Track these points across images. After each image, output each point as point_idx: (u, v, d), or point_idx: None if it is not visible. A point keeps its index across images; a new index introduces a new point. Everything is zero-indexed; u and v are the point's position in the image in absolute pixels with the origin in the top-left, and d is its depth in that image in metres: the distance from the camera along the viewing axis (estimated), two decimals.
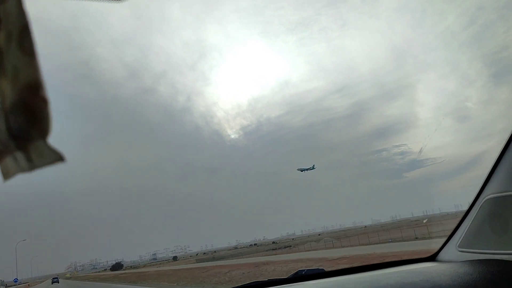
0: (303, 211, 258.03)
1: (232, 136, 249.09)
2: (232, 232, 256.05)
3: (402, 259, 1.99)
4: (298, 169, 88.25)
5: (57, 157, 0.45)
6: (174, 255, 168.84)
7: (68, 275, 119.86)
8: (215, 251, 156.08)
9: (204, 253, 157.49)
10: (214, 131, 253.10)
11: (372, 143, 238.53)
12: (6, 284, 46.70)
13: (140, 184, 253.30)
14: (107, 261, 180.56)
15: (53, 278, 77.47)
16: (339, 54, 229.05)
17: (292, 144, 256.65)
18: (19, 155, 0.47)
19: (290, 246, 71.54)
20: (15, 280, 48.86)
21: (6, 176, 0.50)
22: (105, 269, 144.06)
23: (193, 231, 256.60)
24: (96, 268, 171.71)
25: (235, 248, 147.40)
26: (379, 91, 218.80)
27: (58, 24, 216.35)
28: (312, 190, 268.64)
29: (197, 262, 66.30)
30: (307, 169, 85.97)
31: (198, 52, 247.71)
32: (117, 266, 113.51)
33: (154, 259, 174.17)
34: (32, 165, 0.47)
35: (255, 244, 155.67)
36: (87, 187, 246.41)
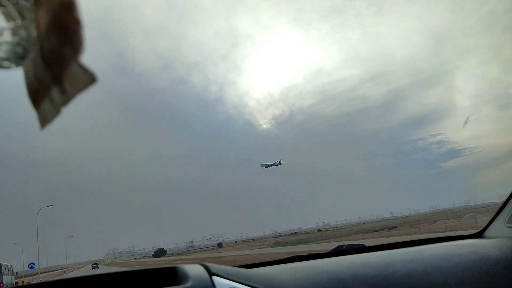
0: (338, 201, 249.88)
1: (264, 126, 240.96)
2: (266, 222, 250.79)
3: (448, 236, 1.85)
4: (261, 165, 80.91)
5: (90, 79, 0.44)
6: (211, 243, 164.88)
7: (108, 261, 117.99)
8: (253, 239, 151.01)
9: (244, 241, 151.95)
10: (247, 121, 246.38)
11: (408, 132, 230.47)
12: (16, 272, 31.42)
13: (175, 174, 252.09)
14: (144, 248, 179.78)
15: (93, 264, 75.42)
16: (373, 41, 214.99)
17: (326, 134, 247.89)
18: (54, 92, 0.47)
19: (396, 227, 61.34)
20: (31, 266, 37.52)
21: (44, 122, 0.50)
22: (144, 256, 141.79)
23: (227, 220, 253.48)
24: (133, 255, 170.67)
25: (278, 235, 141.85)
26: (415, 79, 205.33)
27: (93, 16, 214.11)
28: (347, 180, 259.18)
29: (276, 246, 58.18)
30: (271, 165, 78.36)
31: (230, 41, 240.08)
32: (160, 253, 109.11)
33: (191, 246, 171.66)
34: (67, 98, 0.46)
35: (295, 233, 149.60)
36: (122, 176, 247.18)
